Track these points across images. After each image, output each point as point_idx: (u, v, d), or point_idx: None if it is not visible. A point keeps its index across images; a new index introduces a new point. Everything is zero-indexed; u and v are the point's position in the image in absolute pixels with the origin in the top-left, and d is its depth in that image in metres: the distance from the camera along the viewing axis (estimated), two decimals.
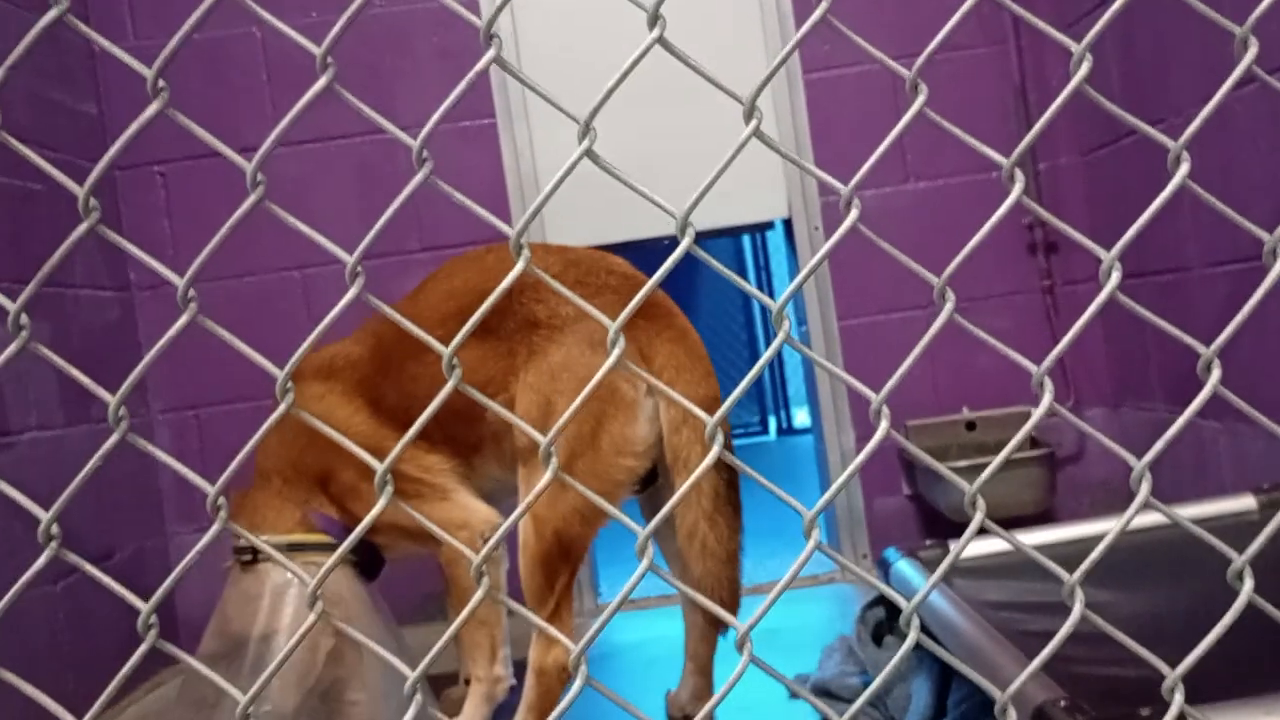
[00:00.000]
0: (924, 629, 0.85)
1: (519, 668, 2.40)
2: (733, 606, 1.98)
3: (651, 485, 2.03)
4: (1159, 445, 0.72)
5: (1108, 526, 0.75)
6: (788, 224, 3.30)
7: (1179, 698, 0.73)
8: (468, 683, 2.31)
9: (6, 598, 0.71)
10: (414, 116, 3.05)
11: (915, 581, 2.05)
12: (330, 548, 2.11)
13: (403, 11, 3.17)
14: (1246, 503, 2.18)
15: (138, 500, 3.04)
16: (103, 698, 0.69)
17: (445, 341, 2.26)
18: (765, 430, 7.41)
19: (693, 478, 0.72)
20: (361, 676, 2.09)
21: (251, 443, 0.72)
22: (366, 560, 2.20)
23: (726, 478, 1.91)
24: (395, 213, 0.68)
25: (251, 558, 2.13)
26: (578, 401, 0.69)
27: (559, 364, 1.93)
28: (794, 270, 3.48)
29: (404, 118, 3.01)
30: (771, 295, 6.35)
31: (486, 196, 3.14)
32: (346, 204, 3.14)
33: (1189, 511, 2.05)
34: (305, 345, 0.69)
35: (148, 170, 3.14)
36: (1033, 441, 3.06)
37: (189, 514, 3.16)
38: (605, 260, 2.06)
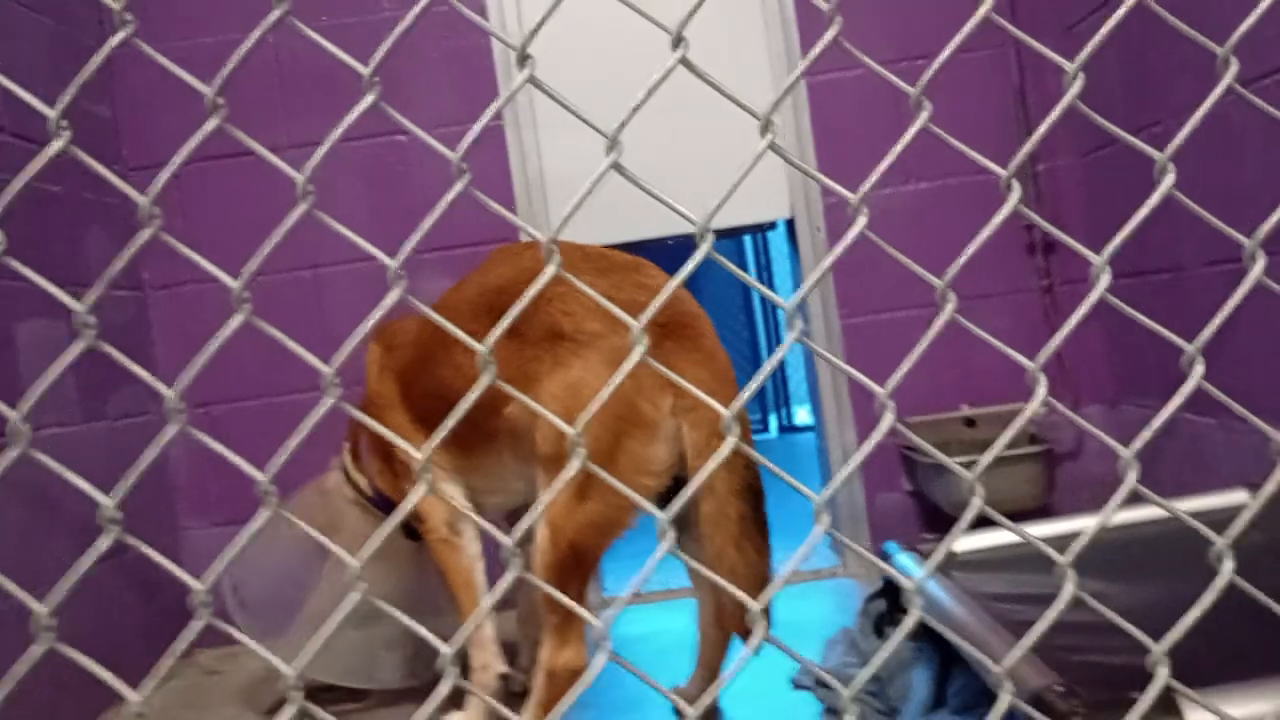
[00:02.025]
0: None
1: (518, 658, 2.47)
2: (764, 626, 2.00)
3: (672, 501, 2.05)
4: (1146, 433, 0.77)
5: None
6: (790, 224, 3.34)
7: (1163, 671, 0.77)
8: (525, 671, 2.40)
9: (64, 582, 0.76)
10: (423, 119, 3.10)
11: (915, 574, 2.10)
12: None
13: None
14: (1240, 498, 2.23)
15: (150, 496, 3.08)
16: (157, 668, 0.74)
17: (477, 338, 2.31)
18: (766, 428, 7.46)
19: (710, 464, 0.77)
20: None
21: (299, 434, 0.76)
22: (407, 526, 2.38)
23: (752, 503, 1.92)
24: (433, 223, 0.73)
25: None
26: (604, 392, 0.74)
27: (580, 380, 1.92)
28: (795, 270, 3.53)
29: (413, 121, 3.05)
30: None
31: (494, 199, 3.18)
32: (356, 204, 3.19)
33: (1183, 507, 2.10)
34: (350, 343, 0.74)
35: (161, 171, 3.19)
36: (1031, 438, 3.11)
37: (201, 510, 3.21)
38: (640, 271, 2.04)
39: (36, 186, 2.67)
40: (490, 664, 2.18)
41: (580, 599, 1.97)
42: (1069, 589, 0.75)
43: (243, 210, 3.18)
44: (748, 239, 7.24)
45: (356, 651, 2.49)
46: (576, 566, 1.93)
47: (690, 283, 2.19)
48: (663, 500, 2.03)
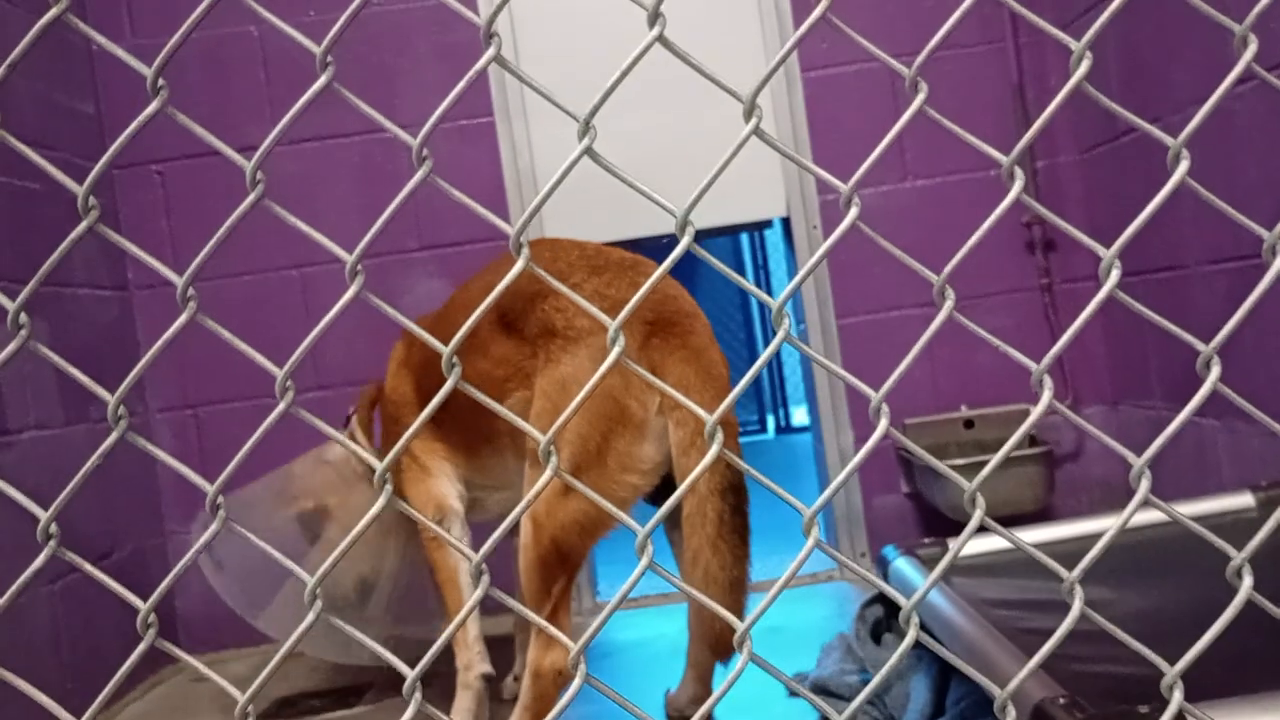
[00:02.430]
0: (922, 627, 0.85)
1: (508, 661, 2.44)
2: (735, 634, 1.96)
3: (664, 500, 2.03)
4: (1159, 442, 0.72)
5: (1106, 524, 0.75)
6: (786, 222, 3.30)
7: (1178, 695, 0.73)
8: (516, 679, 2.36)
9: (5, 596, 0.71)
10: (414, 115, 3.05)
11: (914, 579, 2.06)
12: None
13: (402, 10, 3.17)
14: (1245, 500, 2.18)
15: (137, 500, 3.04)
16: (101, 696, 0.69)
17: (482, 335, 2.31)
18: (763, 429, 7.42)
19: (694, 474, 0.72)
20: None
21: (251, 442, 0.72)
22: None
23: (732, 503, 1.88)
24: (395, 211, 0.68)
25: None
26: (579, 399, 0.69)
27: (569, 376, 1.93)
28: (792, 269, 3.48)
29: (404, 117, 3.01)
30: (770, 294, 6.35)
31: (485, 195, 3.14)
32: (348, 203, 3.13)
33: (1188, 509, 2.06)
34: (304, 345, 0.69)
35: (146, 170, 3.14)
36: (1031, 440, 3.06)
37: (189, 514, 3.16)
38: (636, 270, 2.02)
39: (19, 185, 2.62)
40: (474, 664, 2.16)
41: (565, 596, 1.95)
42: (1077, 606, 0.70)
43: (228, 210, 3.13)
44: (744, 238, 7.20)
45: (335, 627, 2.46)
46: (560, 564, 1.90)
47: (685, 281, 2.15)
48: (654, 498, 2.00)
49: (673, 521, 2.13)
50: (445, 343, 2.41)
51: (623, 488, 1.90)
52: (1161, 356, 2.91)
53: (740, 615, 1.94)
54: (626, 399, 1.89)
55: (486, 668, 2.17)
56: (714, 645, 1.95)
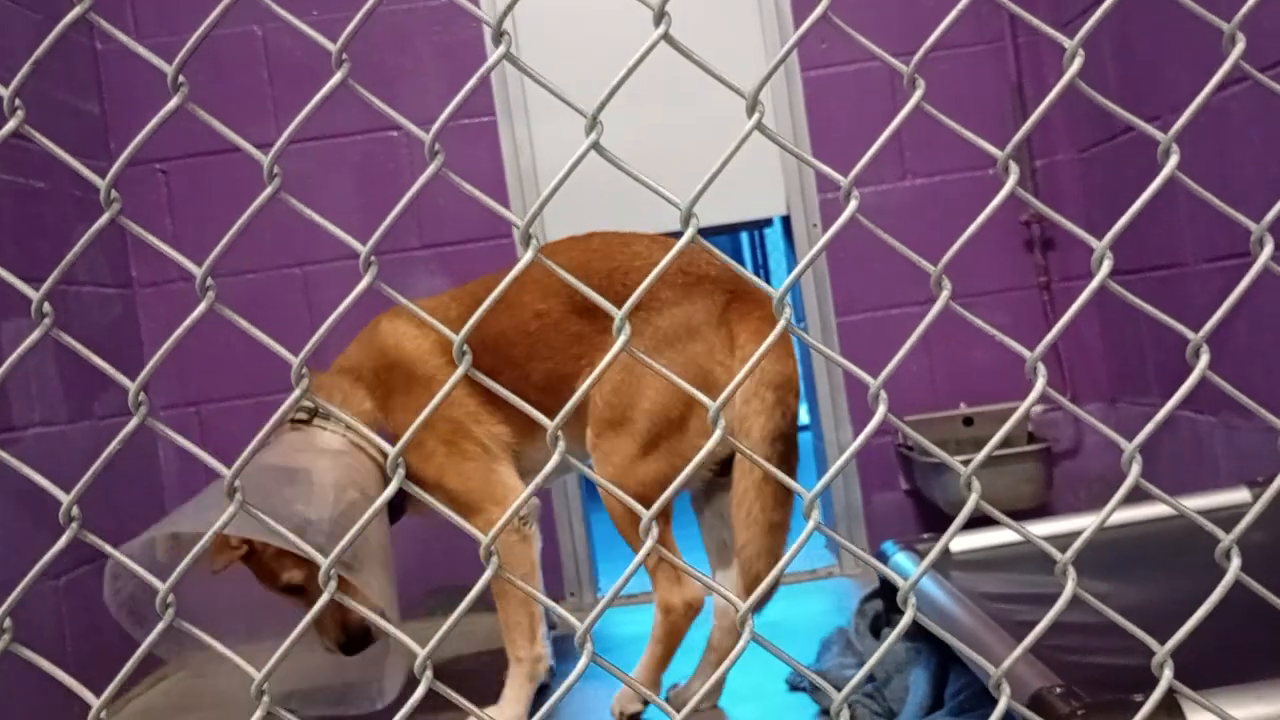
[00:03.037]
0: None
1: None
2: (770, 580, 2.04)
3: (726, 474, 2.11)
4: (1149, 428, 0.74)
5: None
6: (786, 221, 3.32)
7: (1168, 673, 0.75)
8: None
9: (26, 579, 0.73)
10: (415, 115, 3.04)
11: (912, 573, 2.07)
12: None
13: (403, 9, 3.19)
14: (1241, 495, 2.21)
15: (139, 495, 3.05)
16: (120, 676, 0.71)
17: (550, 315, 2.37)
18: None
19: (701, 453, 0.74)
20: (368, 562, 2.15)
21: (268, 427, 0.74)
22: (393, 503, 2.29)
23: (780, 450, 2.02)
24: (408, 204, 0.70)
25: (307, 418, 2.21)
26: (593, 377, 0.71)
27: (643, 345, 2.03)
28: (792, 267, 3.49)
29: (405, 115, 3.02)
30: None
31: (487, 192, 3.13)
32: (348, 202, 3.15)
33: (1184, 504, 2.08)
34: (321, 332, 0.71)
35: (149, 168, 3.16)
36: (1030, 436, 3.08)
37: None
38: (710, 252, 2.11)
39: (23, 183, 2.64)
40: (544, 657, 2.18)
41: (665, 536, 2.02)
42: (1070, 587, 0.72)
43: (231, 208, 3.15)
44: (744, 236, 7.21)
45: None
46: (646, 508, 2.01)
47: None
48: (721, 467, 2.11)
49: (705, 496, 2.22)
50: (484, 338, 2.42)
51: (697, 453, 1.97)
52: (1159, 354, 2.93)
53: (778, 555, 2.03)
54: (711, 364, 2.02)
55: (553, 661, 2.22)
56: (749, 586, 2.03)
